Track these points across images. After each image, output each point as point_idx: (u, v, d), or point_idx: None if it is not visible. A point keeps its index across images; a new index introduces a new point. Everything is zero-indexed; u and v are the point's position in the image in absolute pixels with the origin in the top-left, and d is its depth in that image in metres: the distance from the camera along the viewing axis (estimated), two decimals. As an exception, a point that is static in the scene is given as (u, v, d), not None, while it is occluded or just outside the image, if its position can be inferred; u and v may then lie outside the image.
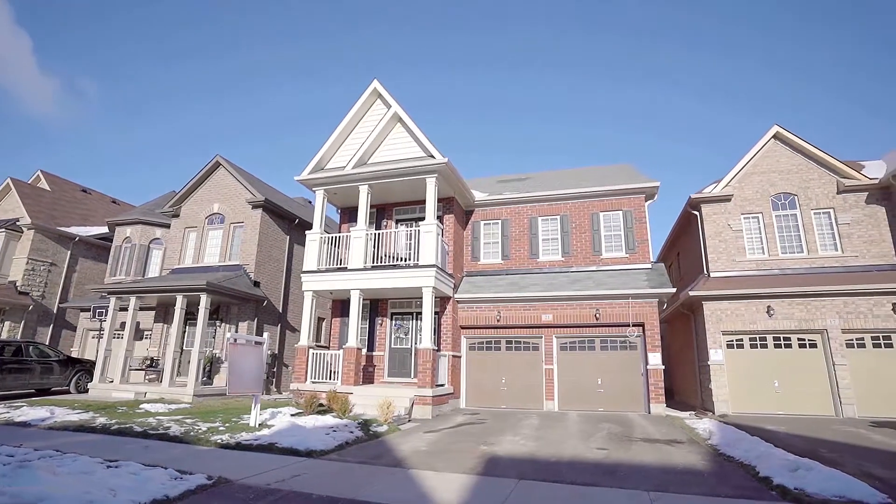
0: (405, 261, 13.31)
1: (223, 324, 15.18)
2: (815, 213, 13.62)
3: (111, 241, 19.68)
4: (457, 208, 15.18)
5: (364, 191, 13.89)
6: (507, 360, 14.23)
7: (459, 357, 14.39)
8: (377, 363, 14.37)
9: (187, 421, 9.05)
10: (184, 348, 14.74)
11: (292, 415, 9.62)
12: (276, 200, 17.04)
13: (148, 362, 14.98)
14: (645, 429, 9.77)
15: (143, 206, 20.30)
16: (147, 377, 15.23)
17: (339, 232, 15.52)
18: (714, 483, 5.68)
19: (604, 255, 14.35)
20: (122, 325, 15.83)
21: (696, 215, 14.86)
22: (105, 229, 20.38)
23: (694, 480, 5.79)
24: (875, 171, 13.97)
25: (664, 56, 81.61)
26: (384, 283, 13.00)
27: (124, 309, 14.75)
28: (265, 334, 9.89)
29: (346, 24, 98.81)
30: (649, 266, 13.81)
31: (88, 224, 21.51)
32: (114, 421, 8.92)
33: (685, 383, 15.70)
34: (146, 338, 16.97)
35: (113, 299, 14.54)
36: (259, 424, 8.60)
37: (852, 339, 11.91)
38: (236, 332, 15.04)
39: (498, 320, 14.07)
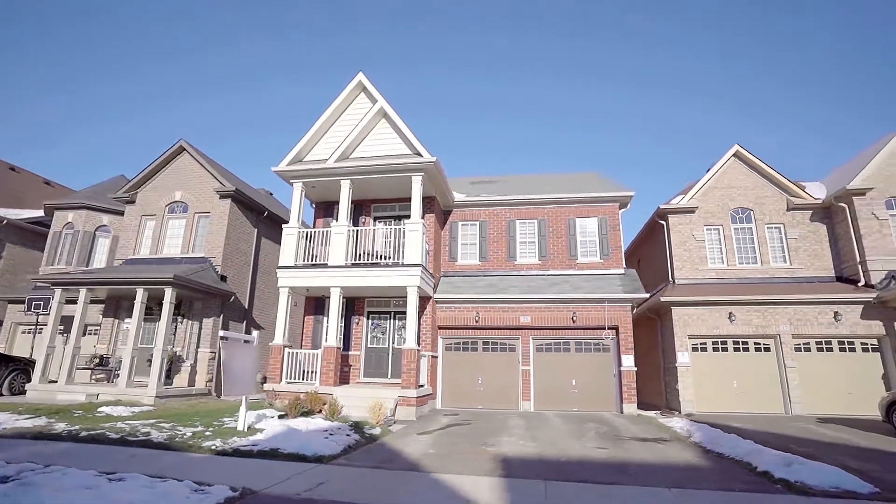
0: (385, 259, 13.10)
1: (185, 320, 14.13)
2: (768, 228, 14.85)
3: (47, 227, 17.78)
4: (437, 208, 15.11)
5: (346, 186, 13.51)
6: (484, 361, 14.34)
7: (436, 357, 14.34)
8: (353, 363, 14.00)
9: (163, 425, 8.37)
10: (138, 346, 13.55)
11: (279, 416, 9.17)
12: (243, 190, 16.12)
13: (97, 361, 13.65)
14: (627, 428, 10.19)
15: (88, 189, 18.49)
16: (94, 377, 13.90)
17: (314, 227, 15.01)
18: (720, 479, 6.04)
19: (579, 260, 14.83)
20: (63, 319, 14.34)
21: (662, 224, 15.74)
22: (40, 213, 18.39)
23: (701, 477, 6.12)
24: (816, 191, 15.47)
25: (641, 59, 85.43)
26: (366, 281, 12.70)
27: (71, 301, 13.37)
28: (255, 333, 9.33)
29: (326, 23, 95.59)
30: (622, 271, 14.44)
31: (19, 206, 19.30)
32: (77, 427, 8.07)
33: (648, 384, 16.53)
34: (91, 333, 15.47)
35: (58, 291, 13.10)
36: (248, 428, 8.12)
37: (800, 344, 13.12)
38: (200, 329, 14.07)
39: (477, 321, 14.15)
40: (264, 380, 16.93)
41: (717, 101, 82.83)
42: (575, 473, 6.19)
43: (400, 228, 13.19)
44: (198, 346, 14.00)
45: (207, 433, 7.77)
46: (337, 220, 15.16)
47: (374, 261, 13.20)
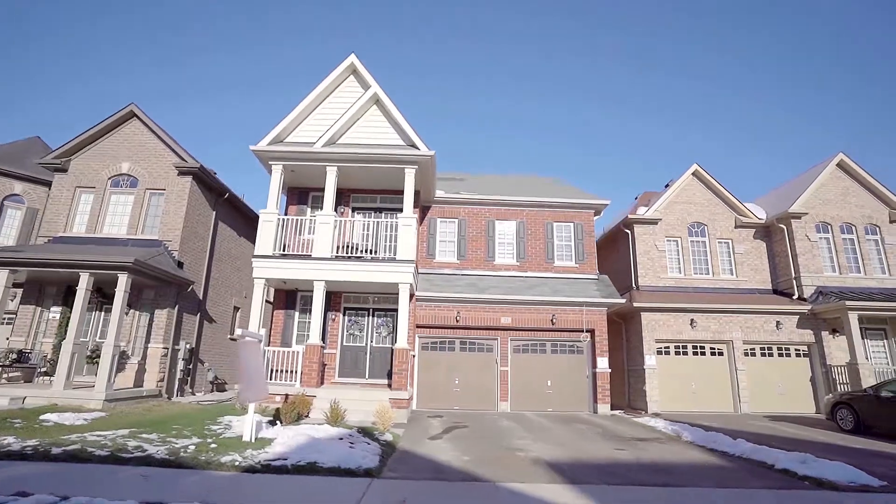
0: (363, 252, 12.49)
1: (131, 310, 12.28)
2: (719, 242, 16.35)
3: (-66, 191, 14.52)
4: (419, 203, 14.69)
5: (332, 172, 12.68)
6: (461, 361, 14.21)
7: (414, 356, 13.94)
8: (328, 362, 13.17)
9: (148, 437, 7.18)
10: (79, 340, 11.52)
11: (275, 422, 8.30)
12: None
13: (13, 357, 11.39)
14: (615, 428, 10.63)
15: (-8, 150, 15.39)
16: (7, 375, 11.61)
17: (286, 214, 13.88)
18: (751, 477, 6.45)
19: (556, 264, 15.22)
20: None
21: (627, 233, 16.68)
22: (-77, 174, 14.95)
23: (737, 476, 6.48)
24: (755, 210, 17.28)
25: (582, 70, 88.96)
26: (353, 275, 12.00)
27: (-17, 285, 11.03)
28: (262, 331, 8.35)
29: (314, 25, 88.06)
30: (596, 276, 15.07)
31: None
32: (36, 441, 6.63)
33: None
34: (2, 322, 12.89)
35: (-32, 272, 10.72)
36: (256, 439, 7.23)
37: (748, 349, 14.62)
38: (150, 321, 12.33)
39: (457, 320, 13.99)
40: (216, 379, 15.36)
41: (663, 112, 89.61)
42: (625, 476, 6.28)
43: (382, 221, 12.69)
44: (147, 342, 12.25)
45: (211, 445, 6.79)
46: (312, 209, 14.32)
47: (358, 254, 12.51)
